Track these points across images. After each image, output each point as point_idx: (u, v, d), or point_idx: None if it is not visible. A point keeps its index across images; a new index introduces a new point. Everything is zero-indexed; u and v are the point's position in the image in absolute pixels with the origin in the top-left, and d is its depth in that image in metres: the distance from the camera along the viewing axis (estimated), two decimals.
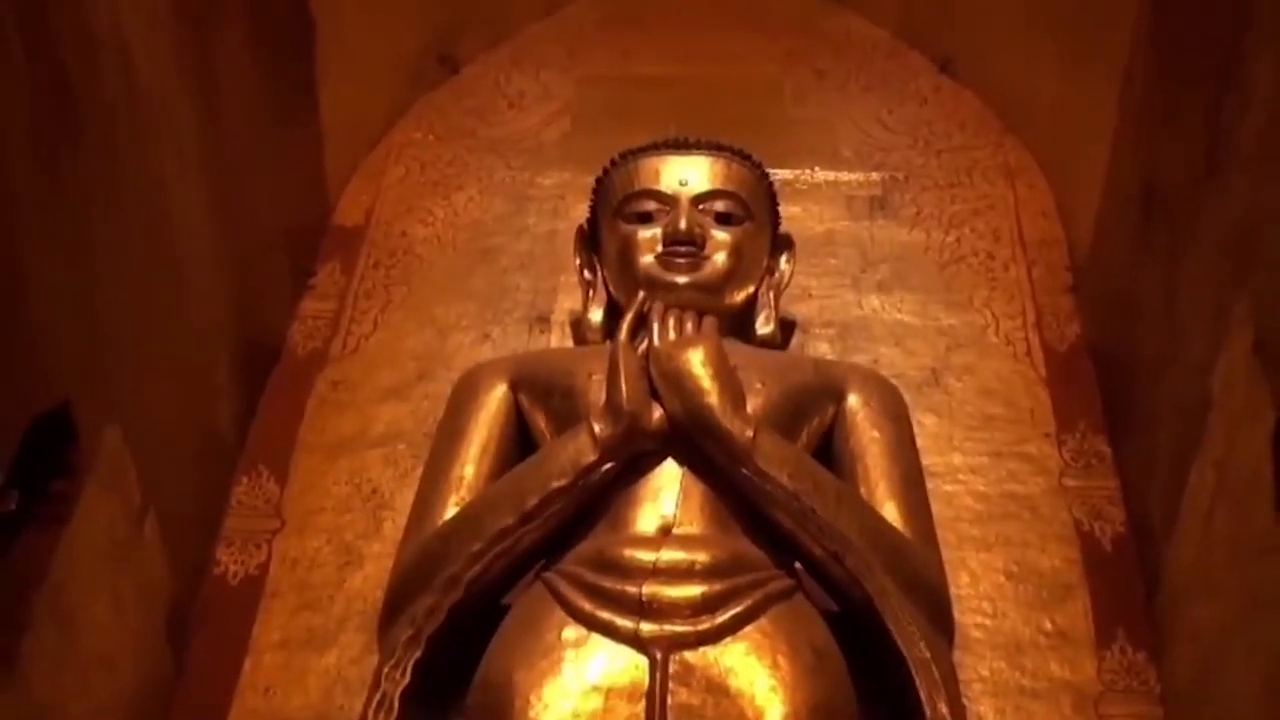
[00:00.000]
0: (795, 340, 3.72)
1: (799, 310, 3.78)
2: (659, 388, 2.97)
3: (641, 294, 3.23)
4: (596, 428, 2.94)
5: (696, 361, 2.97)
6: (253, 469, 3.54)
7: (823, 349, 3.74)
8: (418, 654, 2.80)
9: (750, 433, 2.90)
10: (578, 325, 3.64)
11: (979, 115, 4.35)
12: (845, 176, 4.19)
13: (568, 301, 3.82)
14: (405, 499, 3.36)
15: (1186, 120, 3.06)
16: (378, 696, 2.77)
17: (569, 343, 3.74)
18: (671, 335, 3.04)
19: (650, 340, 3.05)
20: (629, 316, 3.13)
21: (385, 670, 2.80)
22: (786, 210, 3.82)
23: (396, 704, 2.75)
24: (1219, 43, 2.86)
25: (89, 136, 2.68)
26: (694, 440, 2.94)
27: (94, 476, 2.69)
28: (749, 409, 3.00)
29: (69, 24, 2.60)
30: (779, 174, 4.05)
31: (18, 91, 2.38)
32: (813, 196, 4.12)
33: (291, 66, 3.90)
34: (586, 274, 3.60)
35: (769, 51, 4.58)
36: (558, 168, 4.23)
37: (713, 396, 2.93)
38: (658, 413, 2.96)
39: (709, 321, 3.10)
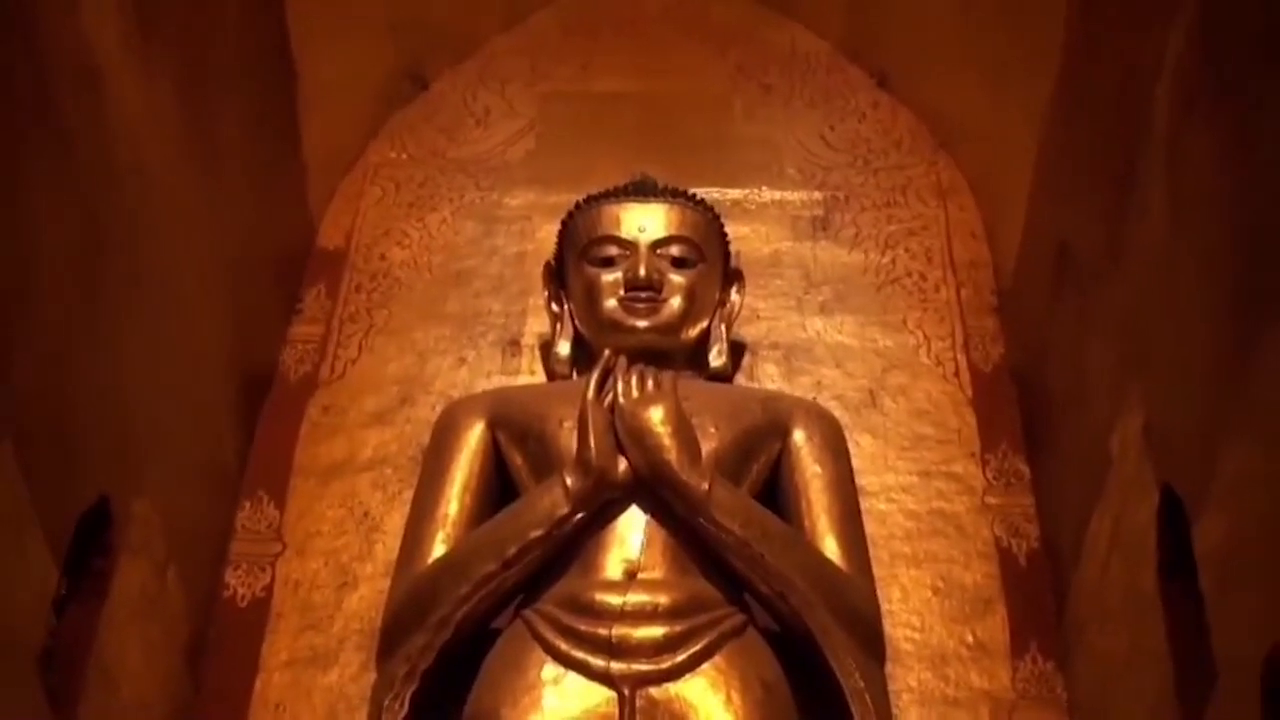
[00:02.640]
0: (745, 361, 4.08)
1: (747, 332, 4.13)
2: (624, 443, 3.34)
3: (607, 352, 3.58)
4: (568, 481, 3.31)
5: (657, 420, 3.34)
6: (253, 494, 3.88)
7: (769, 370, 4.09)
8: (413, 687, 3.19)
9: (706, 486, 3.28)
10: (547, 353, 3.99)
11: (914, 132, 4.65)
12: (790, 196, 4.50)
13: (536, 325, 4.16)
14: (394, 521, 3.74)
15: (1097, 197, 3.39)
16: None
17: (539, 365, 4.09)
18: (635, 394, 3.40)
19: (615, 397, 3.41)
20: (596, 374, 3.48)
21: (385, 703, 3.19)
22: (736, 231, 4.19)
23: None
24: (1120, 146, 3.19)
25: (110, 230, 2.98)
26: (656, 491, 3.31)
27: (126, 547, 3.05)
28: (705, 452, 3.38)
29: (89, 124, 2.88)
30: (729, 194, 4.45)
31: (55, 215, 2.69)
32: (760, 217, 4.44)
33: (275, 99, 4.19)
34: (554, 307, 3.97)
35: (719, 66, 4.87)
36: (524, 187, 4.54)
37: (671, 453, 3.30)
38: (623, 465, 3.33)
39: (667, 379, 3.46)
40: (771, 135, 4.68)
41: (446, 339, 4.19)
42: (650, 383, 3.43)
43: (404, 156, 4.65)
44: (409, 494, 3.71)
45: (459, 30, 4.87)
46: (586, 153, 4.57)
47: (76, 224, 2.81)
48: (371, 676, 3.41)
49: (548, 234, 4.19)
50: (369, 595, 3.66)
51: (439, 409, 3.88)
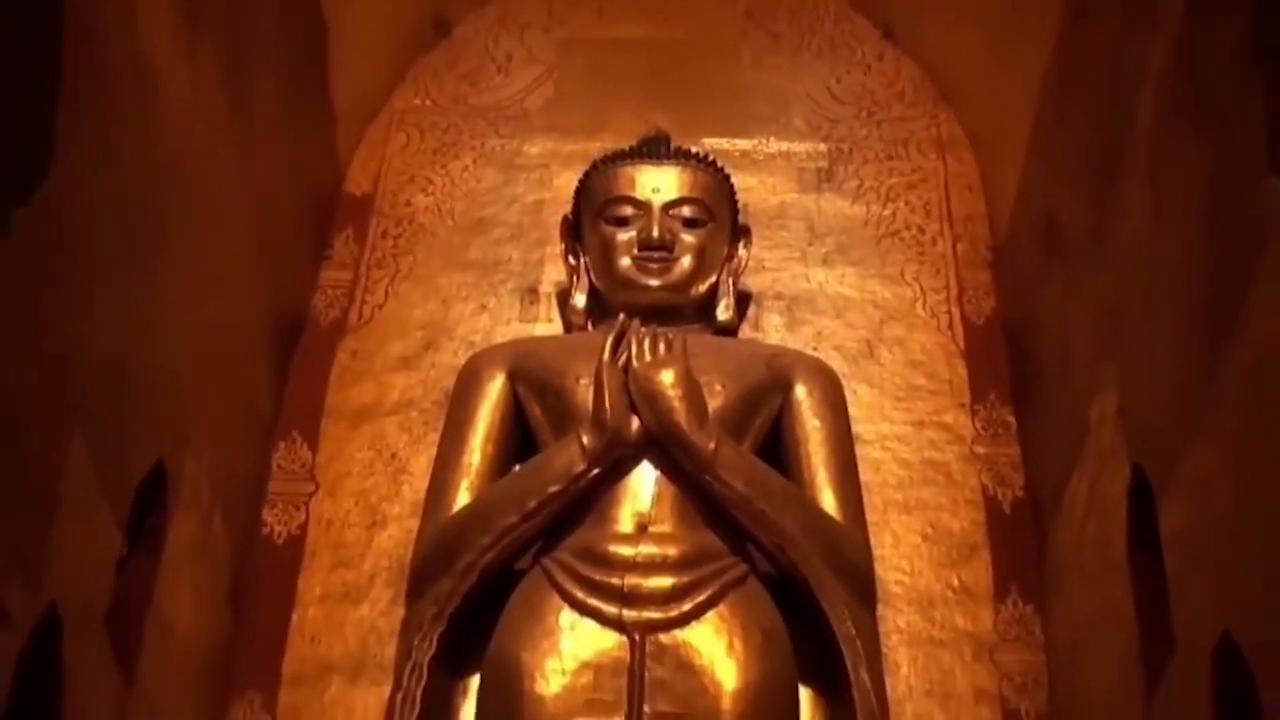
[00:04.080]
0: (750, 311, 4.32)
1: (754, 282, 4.37)
2: (637, 404, 3.59)
3: (621, 316, 3.82)
4: (585, 439, 3.57)
5: (668, 382, 3.59)
6: (288, 435, 4.14)
7: (774, 320, 4.34)
8: (441, 628, 3.47)
9: (713, 445, 3.53)
10: (564, 302, 4.23)
11: (917, 85, 4.86)
12: (796, 147, 4.72)
13: (554, 273, 4.39)
14: (420, 463, 4.02)
15: (1084, 180, 3.61)
16: (409, 665, 3.45)
17: (556, 313, 4.33)
18: (648, 357, 3.64)
19: (629, 359, 3.65)
20: (611, 337, 3.72)
21: (415, 642, 3.47)
22: (744, 182, 4.42)
23: (425, 670, 3.43)
24: (1107, 137, 3.40)
25: (157, 200, 3.19)
26: (666, 449, 3.56)
27: (178, 504, 3.31)
28: (712, 409, 3.63)
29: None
30: (739, 144, 4.69)
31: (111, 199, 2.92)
32: (767, 168, 4.66)
33: (308, 55, 4.37)
34: (571, 260, 4.20)
35: (730, 12, 5.07)
36: (542, 135, 4.76)
37: (681, 414, 3.55)
38: (636, 424, 3.58)
39: (678, 343, 3.69)
40: (779, 85, 4.89)
41: (469, 286, 4.43)
42: (662, 346, 3.67)
43: (428, 103, 4.86)
44: (434, 437, 3.97)
45: None
46: (602, 101, 4.78)
47: (128, 206, 3.02)
48: (399, 611, 3.70)
49: (565, 182, 4.43)
50: (397, 534, 3.93)
51: (461, 354, 4.16)
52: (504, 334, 4.28)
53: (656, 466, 3.59)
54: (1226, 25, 2.78)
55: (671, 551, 3.46)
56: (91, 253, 2.83)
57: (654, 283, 4.01)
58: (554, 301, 4.37)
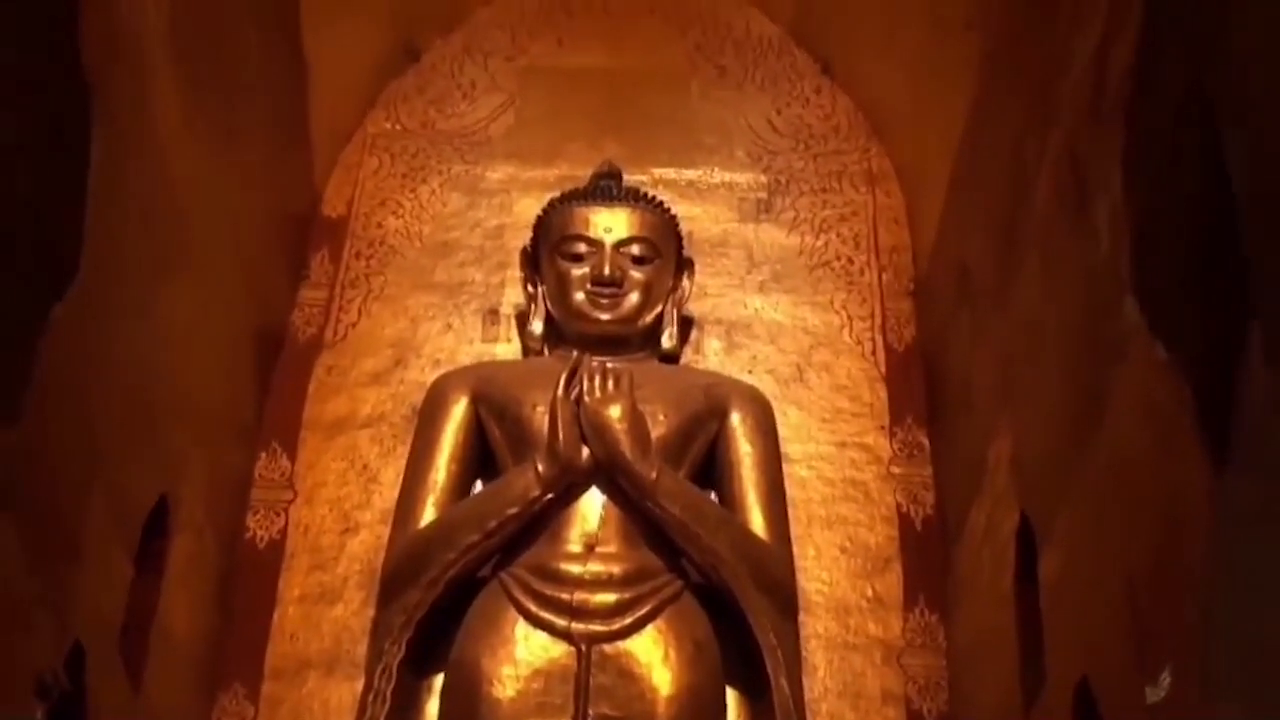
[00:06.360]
0: (692, 335, 4.75)
1: (696, 307, 4.78)
2: (587, 436, 4.02)
3: (575, 353, 4.25)
4: (540, 467, 4.00)
5: (615, 416, 4.02)
6: (269, 446, 4.54)
7: (713, 344, 4.76)
8: (409, 634, 3.90)
9: (654, 474, 3.97)
10: (523, 324, 4.64)
11: (851, 119, 5.24)
12: (738, 178, 5.12)
13: (513, 295, 4.79)
14: (389, 474, 4.44)
15: (990, 240, 4.02)
16: (380, 667, 3.89)
17: (515, 334, 4.74)
18: (598, 393, 4.06)
19: (581, 393, 4.07)
20: (565, 374, 4.13)
21: (385, 646, 3.91)
22: (689, 211, 4.86)
23: (394, 672, 3.87)
24: (1008, 210, 3.81)
25: (156, 231, 3.55)
26: (612, 477, 4.00)
27: (177, 527, 3.72)
28: (654, 438, 4.06)
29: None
30: (685, 174, 5.11)
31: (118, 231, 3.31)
32: (711, 198, 5.07)
33: (288, 89, 4.72)
34: (529, 288, 4.62)
35: (679, 45, 5.44)
36: (503, 162, 5.15)
37: (626, 446, 3.99)
38: (586, 454, 4.01)
39: (625, 380, 4.11)
40: (724, 117, 5.27)
41: (435, 306, 4.83)
42: (611, 383, 4.09)
43: (398, 128, 5.23)
44: (402, 449, 4.40)
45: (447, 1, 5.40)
46: (559, 129, 5.18)
47: (139, 246, 3.39)
48: (370, 612, 4.15)
49: (524, 208, 4.85)
50: (368, 540, 4.36)
51: (428, 372, 4.59)
52: (468, 353, 4.69)
53: (604, 492, 4.02)
54: (1109, 135, 3.10)
55: (616, 570, 3.90)
56: (106, 303, 3.21)
57: (604, 316, 4.44)
58: (513, 324, 4.76)
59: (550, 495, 3.99)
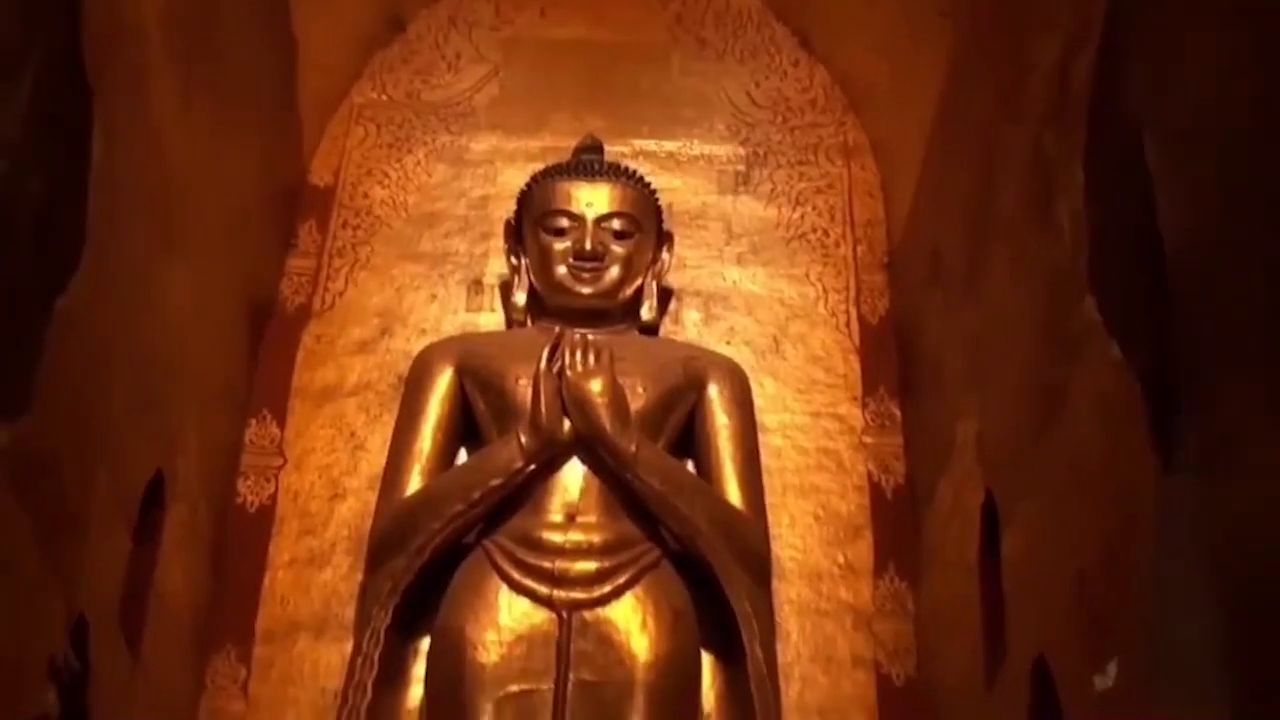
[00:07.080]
0: (671, 307, 4.88)
1: (675, 279, 4.90)
2: (569, 409, 4.16)
3: (558, 328, 4.38)
4: (523, 438, 4.14)
5: (596, 390, 4.16)
6: (259, 413, 4.67)
7: (692, 315, 4.89)
8: (396, 601, 4.05)
9: (634, 447, 4.12)
10: (506, 295, 4.77)
11: (828, 92, 5.35)
12: (717, 150, 5.23)
13: (496, 266, 4.91)
14: (376, 441, 4.57)
15: (961, 228, 4.14)
16: (368, 631, 4.04)
17: (498, 304, 4.86)
18: (579, 367, 4.20)
19: (563, 367, 4.21)
20: (548, 348, 4.27)
21: (373, 611, 4.06)
22: (669, 183, 4.97)
23: (382, 636, 4.02)
24: (979, 201, 3.94)
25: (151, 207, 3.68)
26: (593, 449, 4.14)
27: (173, 498, 3.86)
28: (634, 410, 4.20)
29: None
30: (665, 146, 5.21)
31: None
32: (690, 170, 5.18)
33: (278, 66, 4.81)
34: (513, 260, 4.75)
35: (660, 16, 5.53)
36: (487, 133, 5.26)
37: (606, 419, 4.13)
38: (568, 427, 4.15)
39: (606, 353, 4.25)
40: (704, 89, 5.37)
41: (420, 276, 4.95)
42: (592, 357, 4.22)
43: (384, 98, 5.33)
44: (389, 417, 4.54)
45: None
46: (543, 100, 5.29)
47: (135, 222, 3.49)
48: (358, 577, 4.30)
49: (508, 179, 4.97)
50: (356, 506, 4.50)
51: (414, 341, 4.73)
52: (452, 323, 4.81)
53: (585, 463, 4.16)
54: (1072, 138, 3.20)
55: (596, 539, 4.05)
56: (108, 289, 3.32)
57: (586, 290, 4.56)
58: (497, 294, 4.89)
59: (533, 466, 4.13)
